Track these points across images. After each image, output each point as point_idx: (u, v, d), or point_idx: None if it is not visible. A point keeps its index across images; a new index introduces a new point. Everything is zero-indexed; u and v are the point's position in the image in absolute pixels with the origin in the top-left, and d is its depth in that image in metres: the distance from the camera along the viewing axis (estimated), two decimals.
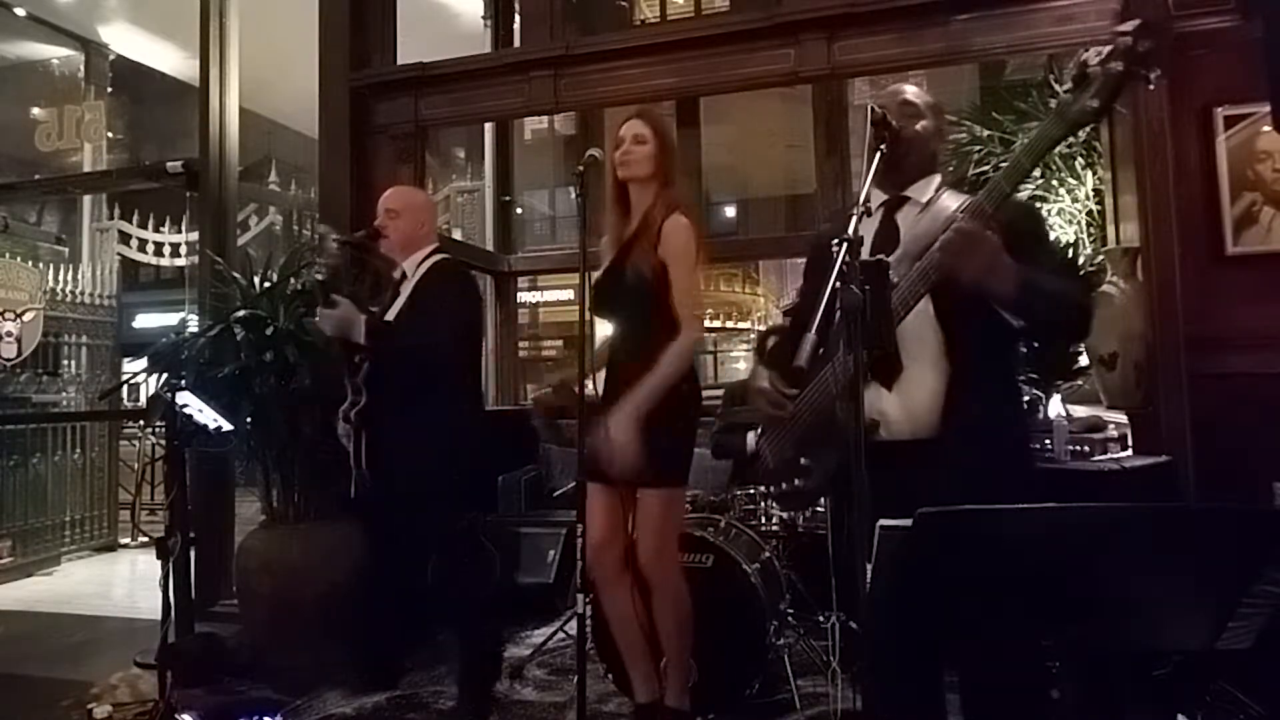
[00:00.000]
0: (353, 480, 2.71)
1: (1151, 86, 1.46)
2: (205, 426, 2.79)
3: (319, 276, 2.70)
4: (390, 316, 2.73)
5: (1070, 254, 3.74)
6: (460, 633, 2.81)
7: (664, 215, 2.32)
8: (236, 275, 3.52)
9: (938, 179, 1.81)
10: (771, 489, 1.91)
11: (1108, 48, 1.41)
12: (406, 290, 2.76)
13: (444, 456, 2.65)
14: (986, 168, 4.30)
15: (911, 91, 1.83)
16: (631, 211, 2.41)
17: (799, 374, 1.64)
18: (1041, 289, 1.54)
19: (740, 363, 14.43)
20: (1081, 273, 3.51)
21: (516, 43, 5.37)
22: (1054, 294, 1.58)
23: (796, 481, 1.80)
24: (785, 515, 3.24)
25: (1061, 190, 4.12)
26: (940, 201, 1.72)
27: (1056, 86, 4.18)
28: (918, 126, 1.77)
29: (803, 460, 1.78)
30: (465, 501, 2.84)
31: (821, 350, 1.55)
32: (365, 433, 2.68)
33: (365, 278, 3.49)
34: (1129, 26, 1.41)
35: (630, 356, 2.35)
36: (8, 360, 5.48)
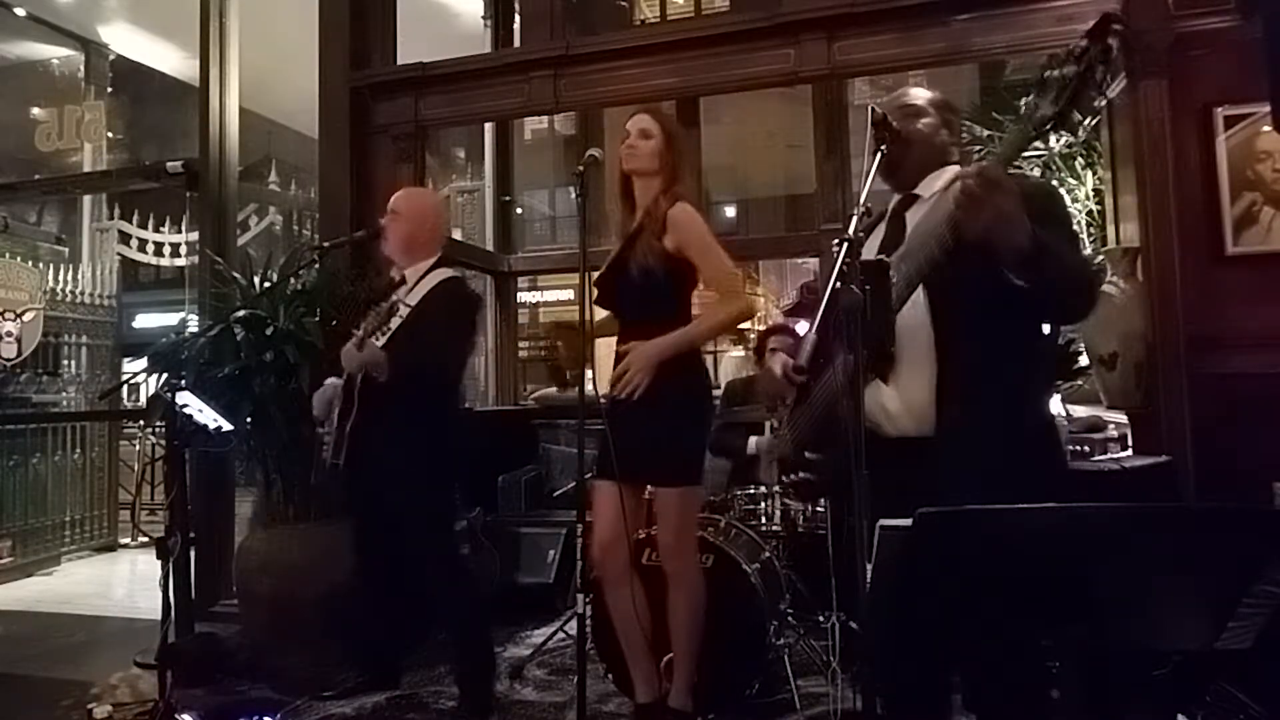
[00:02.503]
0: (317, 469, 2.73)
1: (1110, 77, 1.43)
2: (205, 426, 2.79)
3: (370, 328, 2.61)
4: (390, 328, 2.72)
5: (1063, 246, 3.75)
6: (459, 634, 2.82)
7: (667, 206, 2.34)
8: (236, 275, 3.52)
9: (950, 172, 1.76)
10: (783, 477, 1.92)
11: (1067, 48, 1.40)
12: (410, 303, 2.75)
13: (431, 461, 2.67)
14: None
15: (914, 93, 1.82)
16: (636, 206, 2.43)
17: (801, 372, 1.64)
18: (1053, 249, 1.49)
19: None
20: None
21: (516, 43, 5.37)
22: (1065, 257, 1.54)
23: (803, 474, 1.81)
24: (787, 514, 3.25)
25: (1061, 190, 4.12)
26: (947, 195, 1.70)
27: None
28: (920, 124, 1.76)
29: (808, 454, 1.79)
30: (455, 504, 2.85)
31: (819, 353, 1.55)
32: (352, 437, 2.69)
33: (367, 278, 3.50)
34: (1088, 25, 1.40)
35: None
36: (8, 360, 5.48)
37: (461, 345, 2.81)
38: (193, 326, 3.74)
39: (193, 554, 3.21)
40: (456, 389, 2.93)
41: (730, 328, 2.38)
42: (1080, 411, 3.52)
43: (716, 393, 3.51)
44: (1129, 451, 3.14)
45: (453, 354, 2.75)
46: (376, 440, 2.68)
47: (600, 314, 2.51)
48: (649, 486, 2.44)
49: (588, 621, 2.13)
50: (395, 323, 2.68)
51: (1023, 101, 1.54)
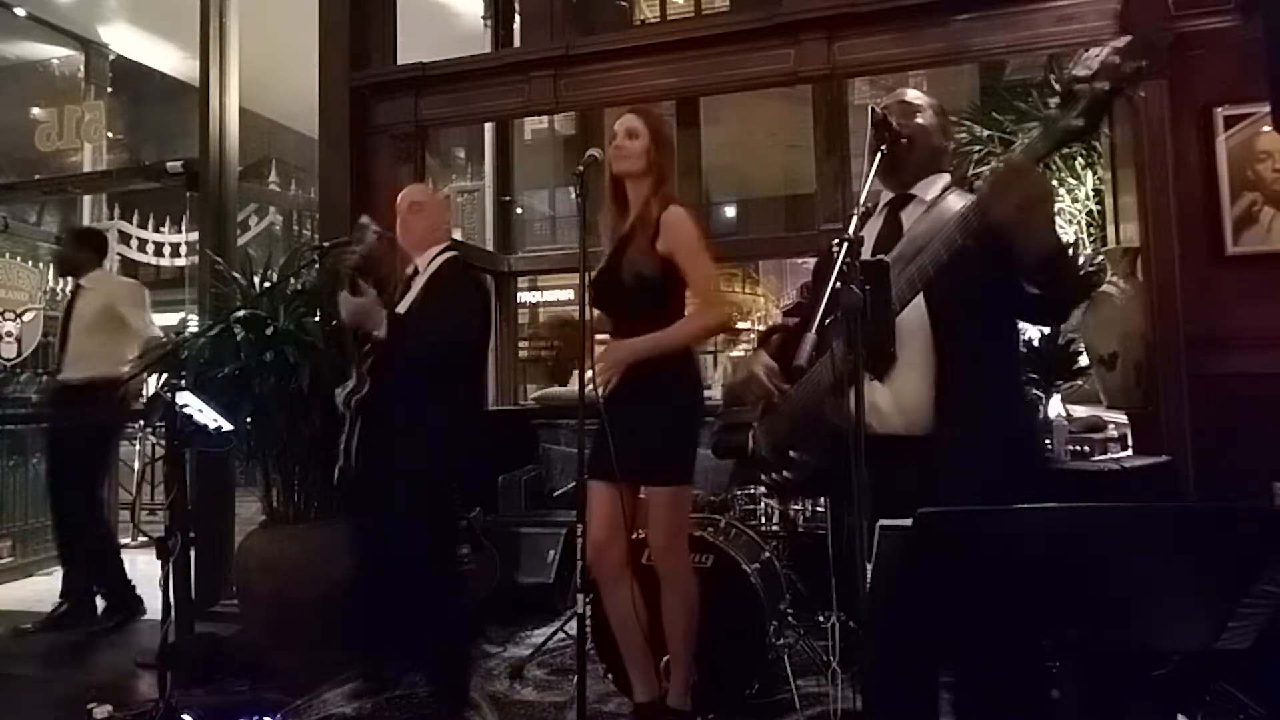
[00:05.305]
0: (337, 467, 2.75)
1: (1142, 94, 1.46)
2: (205, 426, 2.79)
3: (350, 263, 2.73)
4: (401, 309, 2.76)
5: (1071, 252, 3.75)
6: (433, 640, 2.81)
7: (660, 209, 2.33)
8: (236, 275, 3.52)
9: (945, 178, 1.80)
10: (763, 478, 1.93)
11: (1097, 61, 1.40)
12: (418, 284, 2.81)
13: (440, 453, 2.66)
14: (986, 168, 4.30)
15: (913, 94, 1.84)
16: (629, 208, 2.42)
17: (799, 373, 1.64)
18: (1064, 248, 1.54)
19: None
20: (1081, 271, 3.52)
21: (516, 43, 5.36)
22: (1069, 256, 1.58)
23: (785, 474, 1.81)
24: (787, 514, 3.25)
25: (1061, 190, 4.11)
26: (945, 201, 1.72)
27: (1057, 86, 4.19)
28: (919, 121, 1.78)
29: (791, 453, 1.79)
30: (461, 499, 2.85)
31: (818, 353, 1.55)
32: (361, 421, 2.70)
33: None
34: (1120, 43, 1.39)
35: None
36: (8, 360, 5.48)
37: (474, 310, 2.83)
38: (193, 326, 3.75)
39: (193, 554, 3.21)
40: (476, 375, 2.96)
41: (707, 337, 2.40)
42: (1080, 411, 3.51)
43: (716, 394, 3.51)
44: (1129, 451, 3.13)
45: (466, 319, 2.78)
46: (384, 421, 2.68)
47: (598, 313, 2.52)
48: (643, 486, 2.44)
49: (588, 621, 2.13)
50: (410, 297, 2.72)
51: (1046, 113, 1.56)
